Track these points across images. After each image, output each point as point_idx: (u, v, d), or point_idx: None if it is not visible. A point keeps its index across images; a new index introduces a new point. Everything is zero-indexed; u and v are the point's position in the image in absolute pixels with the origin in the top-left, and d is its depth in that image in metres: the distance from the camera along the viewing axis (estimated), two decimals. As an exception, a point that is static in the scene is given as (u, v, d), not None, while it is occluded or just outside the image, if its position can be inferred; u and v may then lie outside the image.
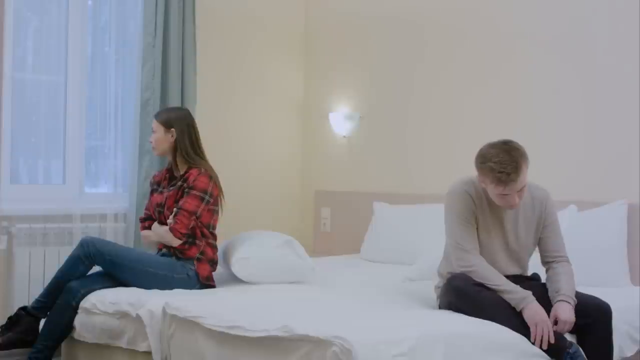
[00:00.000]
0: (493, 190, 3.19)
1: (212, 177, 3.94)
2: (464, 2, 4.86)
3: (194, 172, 3.91)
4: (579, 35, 4.34)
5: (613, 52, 4.22)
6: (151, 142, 4.07)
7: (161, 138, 4.00)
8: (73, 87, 4.55)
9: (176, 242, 3.84)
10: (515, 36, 4.59)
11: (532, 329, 3.05)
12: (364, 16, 5.35)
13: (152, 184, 4.15)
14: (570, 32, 4.37)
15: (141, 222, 4.11)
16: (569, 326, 3.12)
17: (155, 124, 4.03)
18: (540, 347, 3.04)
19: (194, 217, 3.85)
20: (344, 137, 5.40)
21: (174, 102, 4.67)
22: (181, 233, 3.82)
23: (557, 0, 4.44)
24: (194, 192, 3.86)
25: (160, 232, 3.91)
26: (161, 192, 4.01)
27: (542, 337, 3.03)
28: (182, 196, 3.89)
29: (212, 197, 3.90)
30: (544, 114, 4.44)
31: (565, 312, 3.12)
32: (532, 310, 3.08)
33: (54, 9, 4.53)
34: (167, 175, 4.06)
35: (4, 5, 4.09)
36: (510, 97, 4.61)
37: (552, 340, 3.03)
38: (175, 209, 3.86)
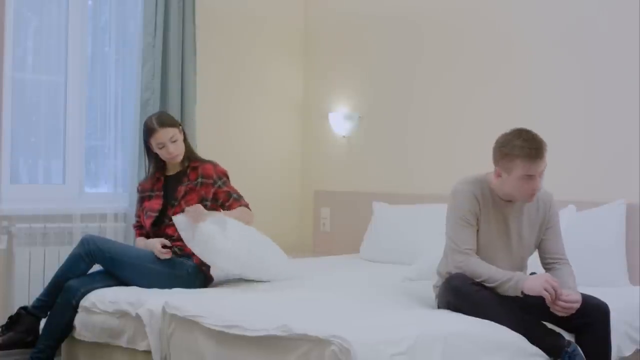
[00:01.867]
0: (519, 172, 3.15)
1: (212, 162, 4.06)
2: (464, 2, 4.86)
3: (208, 167, 3.99)
4: (579, 35, 4.34)
5: (613, 52, 4.22)
6: (172, 152, 3.95)
7: (181, 141, 4.01)
8: (73, 87, 4.55)
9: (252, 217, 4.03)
10: (515, 36, 4.60)
11: (545, 297, 3.04)
12: (363, 16, 5.36)
13: (141, 192, 4.10)
14: (570, 32, 4.38)
15: (137, 229, 4.09)
16: (570, 305, 3.08)
17: (171, 131, 3.95)
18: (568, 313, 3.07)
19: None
20: (344, 137, 5.40)
21: (174, 102, 4.67)
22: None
23: (557, 0, 4.45)
24: (225, 179, 4.01)
25: (237, 215, 3.96)
26: (156, 197, 3.99)
27: (558, 296, 3.03)
28: (214, 189, 3.96)
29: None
30: (544, 114, 4.44)
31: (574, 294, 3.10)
32: (529, 284, 3.08)
33: (54, 9, 4.53)
34: (161, 177, 4.04)
35: (4, 5, 4.09)
36: (510, 97, 4.61)
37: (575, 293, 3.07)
38: (233, 201, 3.98)
